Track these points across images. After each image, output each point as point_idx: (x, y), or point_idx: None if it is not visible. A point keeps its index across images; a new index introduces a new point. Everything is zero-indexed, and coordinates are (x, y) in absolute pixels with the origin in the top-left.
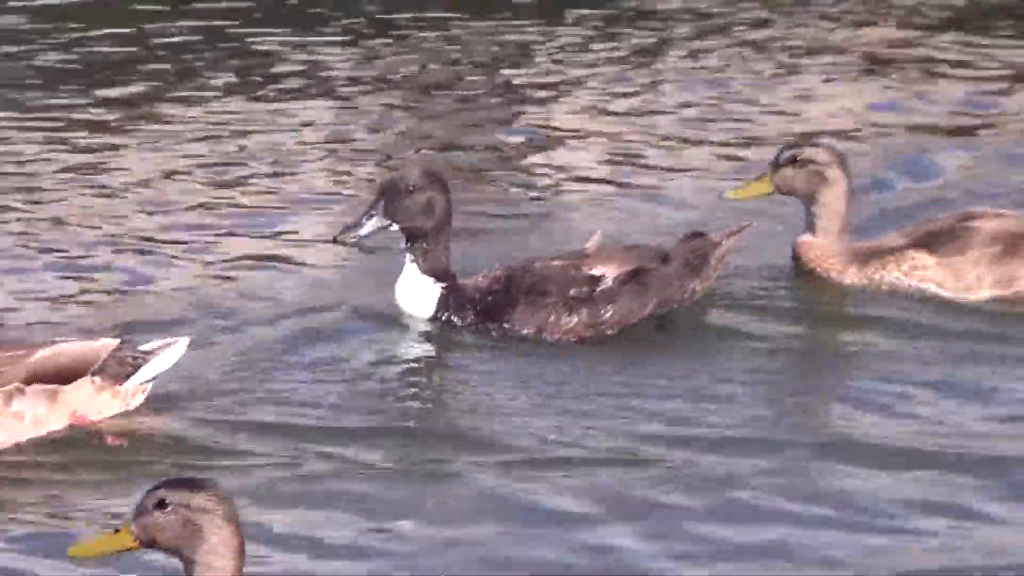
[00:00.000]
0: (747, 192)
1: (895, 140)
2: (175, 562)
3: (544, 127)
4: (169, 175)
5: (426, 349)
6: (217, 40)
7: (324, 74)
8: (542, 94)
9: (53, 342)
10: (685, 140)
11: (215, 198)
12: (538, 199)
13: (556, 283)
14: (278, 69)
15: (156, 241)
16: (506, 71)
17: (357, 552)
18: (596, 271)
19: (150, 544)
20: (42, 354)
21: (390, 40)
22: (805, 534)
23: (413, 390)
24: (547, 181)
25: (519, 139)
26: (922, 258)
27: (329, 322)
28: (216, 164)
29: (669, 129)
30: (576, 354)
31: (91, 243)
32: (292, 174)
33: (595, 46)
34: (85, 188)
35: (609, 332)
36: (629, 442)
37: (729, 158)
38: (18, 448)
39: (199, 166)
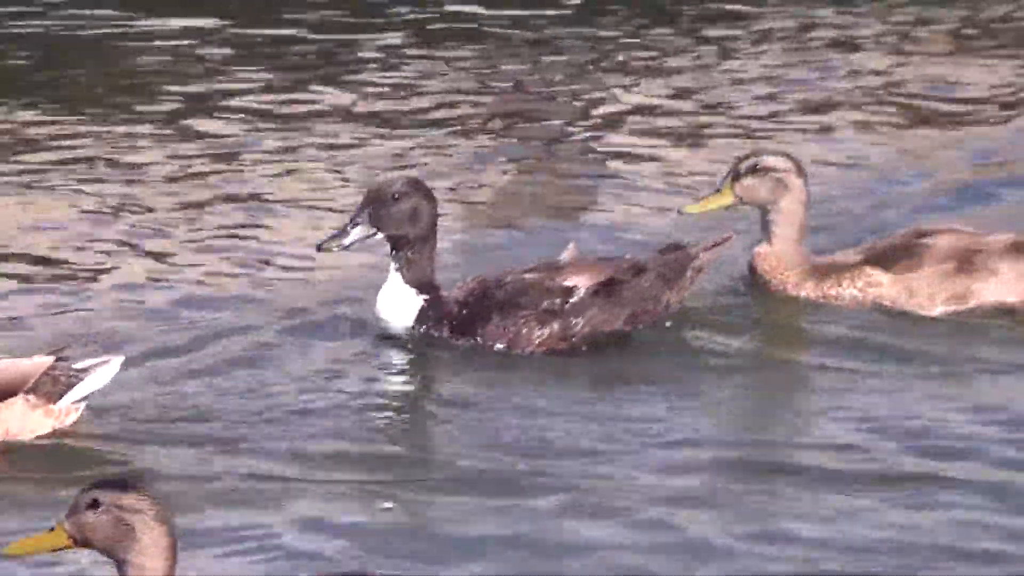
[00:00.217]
0: (707, 205)
1: None
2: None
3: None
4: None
5: (398, 361)
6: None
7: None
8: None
9: None
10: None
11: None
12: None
13: (528, 296)
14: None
15: (123, 253)
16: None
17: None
18: (569, 282)
19: (84, 543)
20: None
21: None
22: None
23: (376, 402)
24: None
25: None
26: (877, 275)
27: (304, 331)
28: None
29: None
30: (543, 369)
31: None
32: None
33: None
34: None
35: (582, 346)
36: (593, 464)
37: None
38: None
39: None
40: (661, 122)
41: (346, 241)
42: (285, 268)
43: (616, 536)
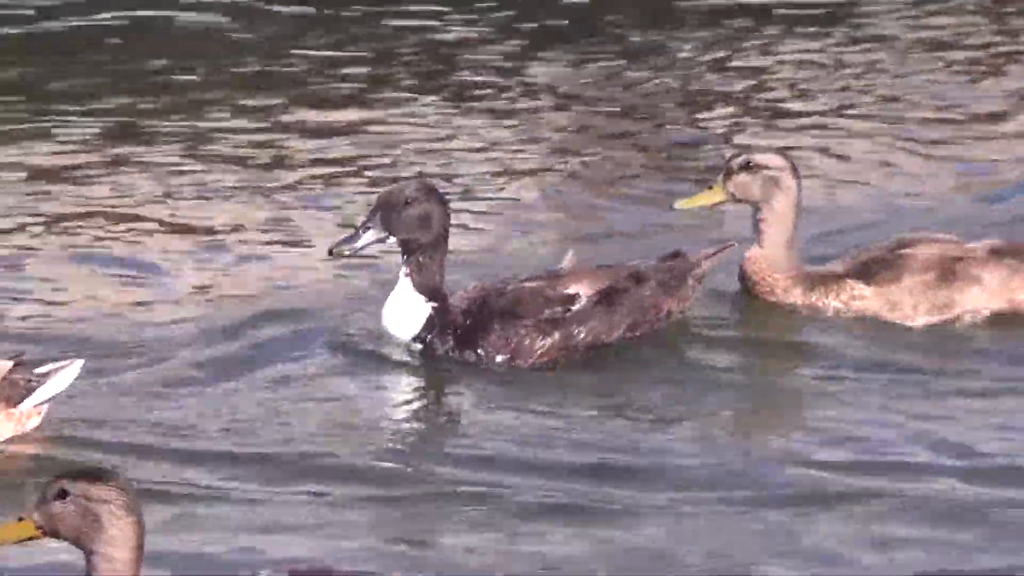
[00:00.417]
0: (698, 201)
1: None
2: None
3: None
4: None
5: (401, 368)
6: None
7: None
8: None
9: None
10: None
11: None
12: None
13: (529, 306)
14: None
15: (127, 255)
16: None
17: None
18: (570, 290)
19: (52, 533)
20: None
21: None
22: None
23: (377, 413)
24: None
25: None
26: (860, 288)
27: (308, 336)
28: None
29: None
30: (543, 381)
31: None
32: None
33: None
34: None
35: (580, 355)
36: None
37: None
38: None
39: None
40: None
41: (357, 245)
42: (288, 272)
43: (613, 551)
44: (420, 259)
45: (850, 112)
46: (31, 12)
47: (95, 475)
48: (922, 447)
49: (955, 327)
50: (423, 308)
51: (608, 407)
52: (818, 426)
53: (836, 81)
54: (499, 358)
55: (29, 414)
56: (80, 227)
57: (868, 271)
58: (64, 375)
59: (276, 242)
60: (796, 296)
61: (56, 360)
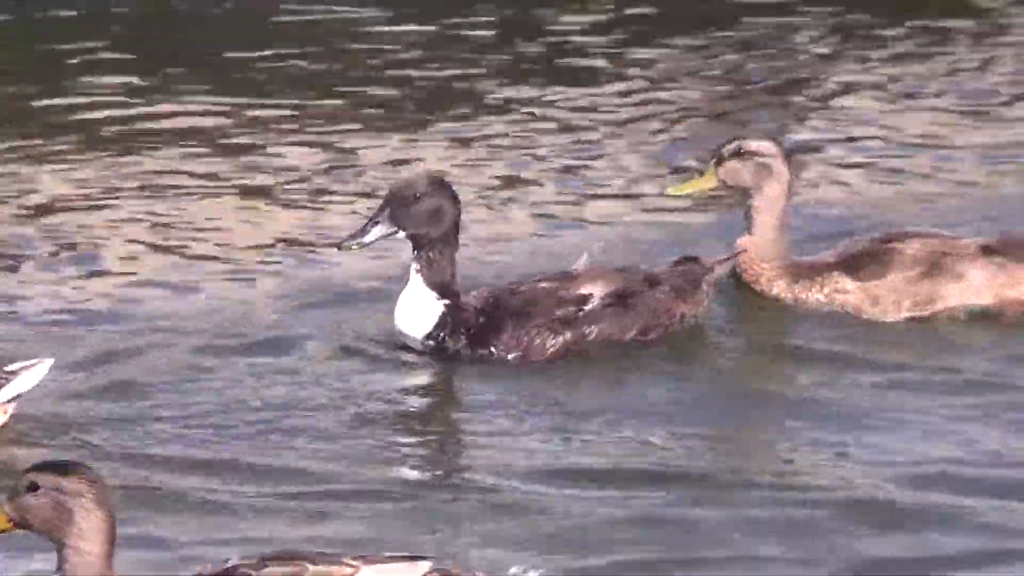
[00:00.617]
0: (690, 187)
1: None
2: None
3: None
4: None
5: (414, 367)
6: None
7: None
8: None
9: None
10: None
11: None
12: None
13: (542, 305)
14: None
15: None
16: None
17: None
18: (584, 290)
19: (24, 526)
20: None
21: None
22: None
23: (387, 413)
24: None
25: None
26: (843, 282)
27: (317, 333)
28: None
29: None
30: (554, 380)
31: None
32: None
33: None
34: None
35: (591, 354)
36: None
37: None
38: None
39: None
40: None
41: (366, 239)
42: (298, 268)
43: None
44: (430, 255)
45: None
46: None
47: (67, 468)
48: (921, 452)
49: (937, 323)
50: (435, 306)
51: (617, 407)
52: (794, 429)
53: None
54: (511, 356)
55: None
56: (84, 220)
57: (855, 264)
58: (32, 374)
59: (285, 238)
60: (780, 288)
61: (29, 359)
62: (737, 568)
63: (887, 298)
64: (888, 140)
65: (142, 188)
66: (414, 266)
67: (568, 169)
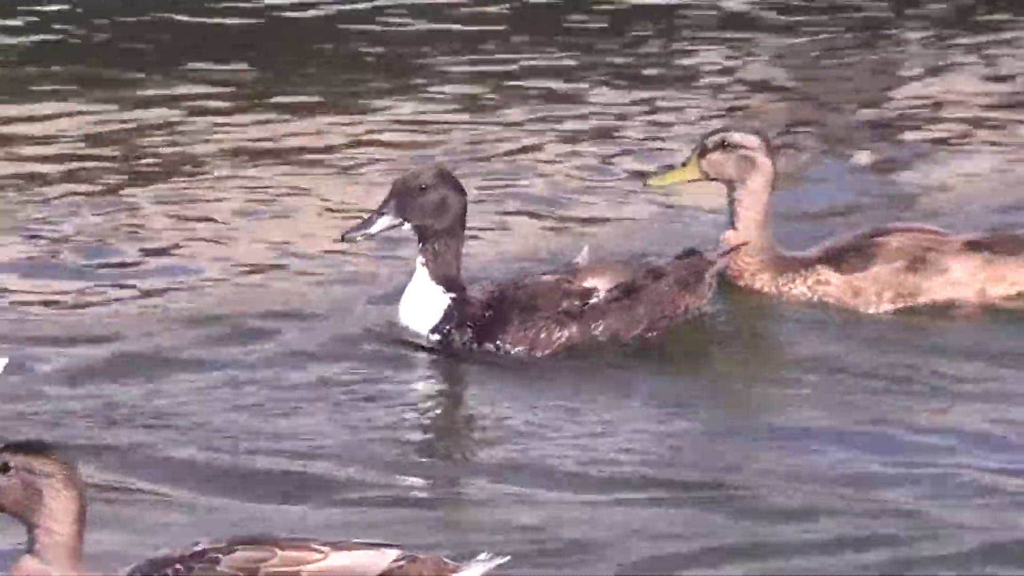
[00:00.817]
0: (671, 178)
1: None
2: None
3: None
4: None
5: (420, 361)
6: None
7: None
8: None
9: None
10: None
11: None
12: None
13: (546, 298)
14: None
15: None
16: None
17: None
18: (588, 284)
19: None
20: None
21: None
22: None
23: (392, 406)
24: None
25: None
26: (827, 274)
27: (323, 328)
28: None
29: None
30: (559, 376)
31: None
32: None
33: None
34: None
35: (597, 349)
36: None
37: None
38: None
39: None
40: None
41: (371, 231)
42: (303, 261)
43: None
44: (435, 247)
45: None
46: None
47: (37, 448)
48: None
49: (919, 318)
50: (441, 299)
51: (624, 402)
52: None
53: None
54: (517, 350)
55: None
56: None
57: (839, 258)
58: None
59: (290, 230)
60: (764, 281)
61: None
62: (738, 568)
63: (869, 290)
64: None
65: (137, 175)
66: (420, 259)
67: (585, 159)
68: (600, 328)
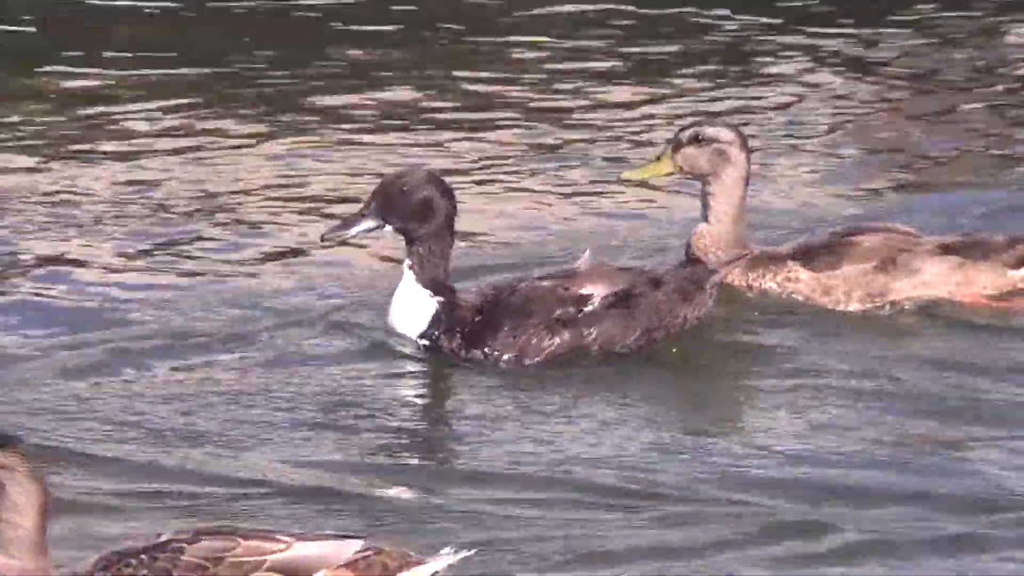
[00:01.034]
0: (646, 172)
1: None
2: None
3: None
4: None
5: (408, 365)
6: None
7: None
8: None
9: None
10: None
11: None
12: None
13: (540, 304)
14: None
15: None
16: None
17: None
18: (584, 290)
19: None
20: None
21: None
22: None
23: (381, 409)
24: None
25: None
26: (797, 271)
27: (311, 333)
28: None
29: None
30: (548, 381)
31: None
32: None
33: None
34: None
35: (594, 357)
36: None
37: None
38: None
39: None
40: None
41: (350, 232)
42: (293, 264)
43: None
44: (421, 251)
45: None
46: None
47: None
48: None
49: (888, 317)
50: (429, 303)
51: (608, 410)
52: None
53: None
54: (506, 357)
55: None
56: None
57: (811, 255)
58: None
59: (280, 233)
60: (735, 276)
61: None
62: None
63: (839, 288)
64: None
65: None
66: (406, 262)
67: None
68: (593, 336)
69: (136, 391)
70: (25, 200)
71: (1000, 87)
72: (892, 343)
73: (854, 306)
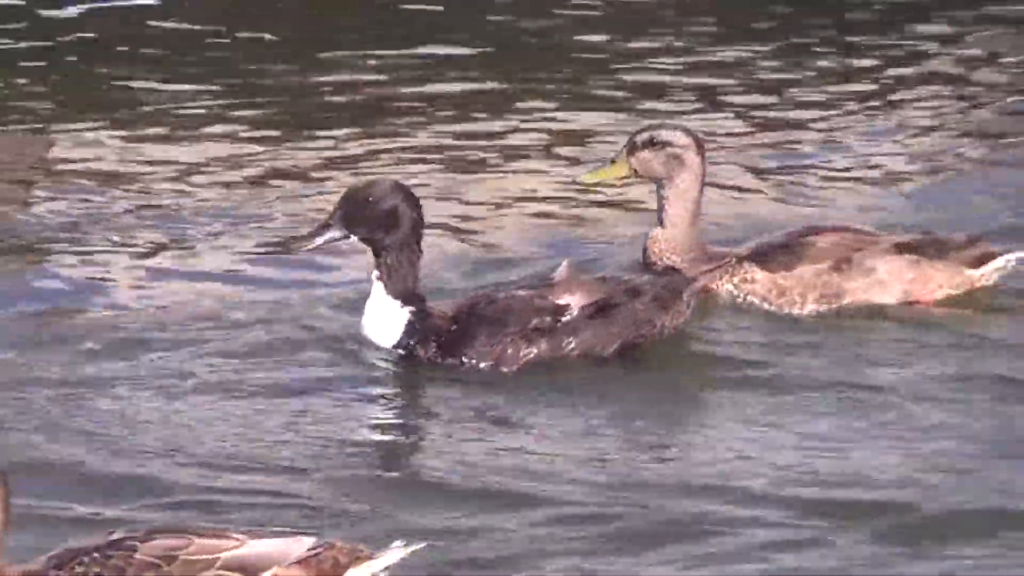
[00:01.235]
0: (601, 175)
1: None
2: None
3: None
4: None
5: (380, 378)
6: None
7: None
8: None
9: None
10: None
11: None
12: None
13: (517, 313)
14: None
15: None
16: None
17: None
18: (561, 300)
19: None
20: None
21: None
22: None
23: (353, 423)
24: None
25: None
26: (752, 272)
27: (283, 343)
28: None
29: None
30: (526, 390)
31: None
32: None
33: None
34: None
35: (571, 365)
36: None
37: None
38: None
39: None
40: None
41: (315, 242)
42: (266, 273)
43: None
44: (388, 261)
45: None
46: None
47: None
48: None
49: (843, 318)
50: (400, 314)
51: (580, 421)
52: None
53: None
54: (482, 365)
55: None
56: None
57: (766, 256)
58: None
59: (252, 241)
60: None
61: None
62: None
63: (794, 290)
64: None
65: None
66: (375, 273)
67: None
68: (571, 346)
69: (86, 393)
70: None
71: None
72: (860, 347)
73: (810, 307)
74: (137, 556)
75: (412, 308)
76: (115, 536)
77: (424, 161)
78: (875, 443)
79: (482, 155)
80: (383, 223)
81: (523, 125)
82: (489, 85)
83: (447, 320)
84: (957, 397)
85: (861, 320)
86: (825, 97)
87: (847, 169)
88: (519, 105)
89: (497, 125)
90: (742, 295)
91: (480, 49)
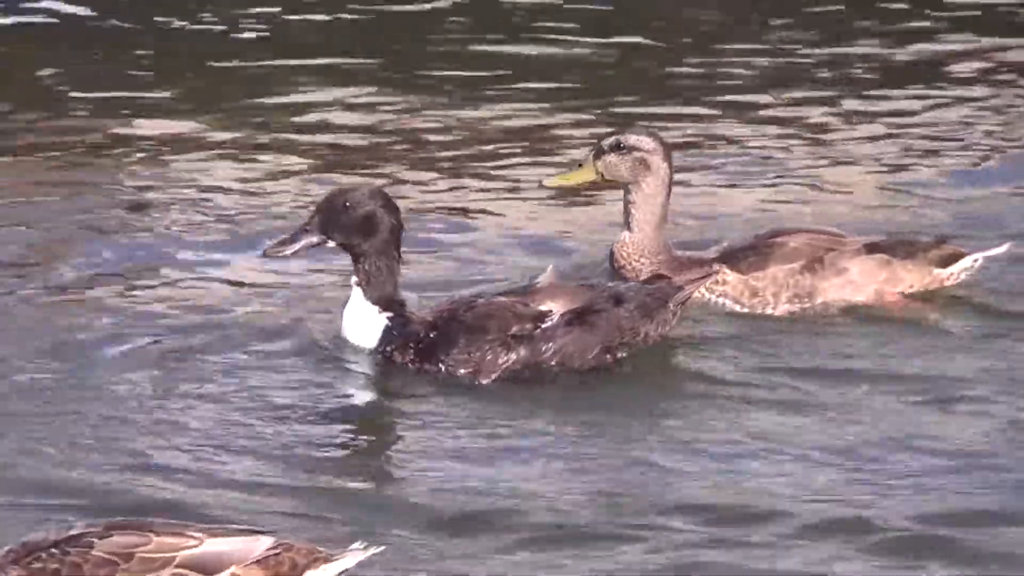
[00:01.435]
0: (569, 179)
1: None
2: None
3: None
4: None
5: (359, 384)
6: None
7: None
8: None
9: None
10: None
11: None
12: None
13: (497, 320)
14: None
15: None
16: None
17: None
18: (543, 307)
19: None
20: None
21: None
22: None
23: (329, 429)
24: None
25: None
26: (724, 273)
27: (262, 349)
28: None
29: None
30: (504, 399)
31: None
32: None
33: None
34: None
35: (551, 373)
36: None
37: None
38: None
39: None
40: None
41: (291, 249)
42: (250, 277)
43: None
44: (367, 267)
45: None
46: None
47: None
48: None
49: (816, 318)
50: (378, 320)
51: (556, 430)
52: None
53: None
54: (461, 372)
55: None
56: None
57: (736, 258)
58: None
59: (232, 245)
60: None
61: None
62: None
63: (767, 291)
64: None
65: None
66: (353, 279)
67: None
68: (551, 353)
69: (70, 394)
70: None
71: None
72: (835, 350)
73: (783, 308)
74: (94, 552)
75: (390, 314)
76: (74, 531)
77: (414, 167)
78: (856, 453)
79: (467, 156)
80: (361, 229)
81: (507, 124)
82: (472, 86)
83: (426, 326)
84: (932, 399)
85: (835, 319)
86: (815, 95)
87: (812, 174)
88: (503, 106)
89: (483, 127)
90: (713, 297)
91: (464, 47)
